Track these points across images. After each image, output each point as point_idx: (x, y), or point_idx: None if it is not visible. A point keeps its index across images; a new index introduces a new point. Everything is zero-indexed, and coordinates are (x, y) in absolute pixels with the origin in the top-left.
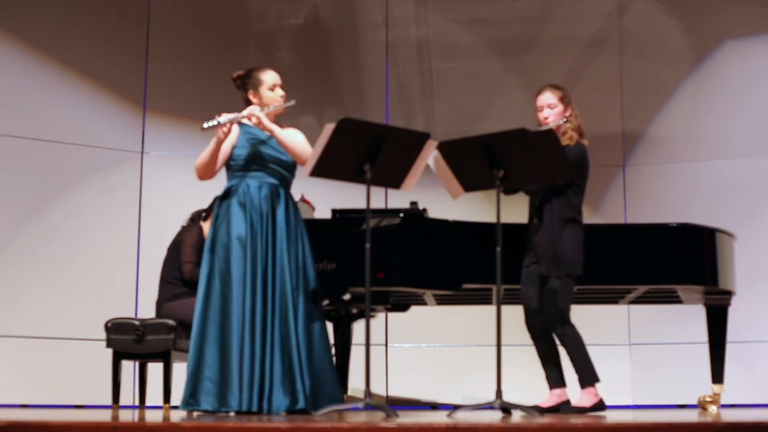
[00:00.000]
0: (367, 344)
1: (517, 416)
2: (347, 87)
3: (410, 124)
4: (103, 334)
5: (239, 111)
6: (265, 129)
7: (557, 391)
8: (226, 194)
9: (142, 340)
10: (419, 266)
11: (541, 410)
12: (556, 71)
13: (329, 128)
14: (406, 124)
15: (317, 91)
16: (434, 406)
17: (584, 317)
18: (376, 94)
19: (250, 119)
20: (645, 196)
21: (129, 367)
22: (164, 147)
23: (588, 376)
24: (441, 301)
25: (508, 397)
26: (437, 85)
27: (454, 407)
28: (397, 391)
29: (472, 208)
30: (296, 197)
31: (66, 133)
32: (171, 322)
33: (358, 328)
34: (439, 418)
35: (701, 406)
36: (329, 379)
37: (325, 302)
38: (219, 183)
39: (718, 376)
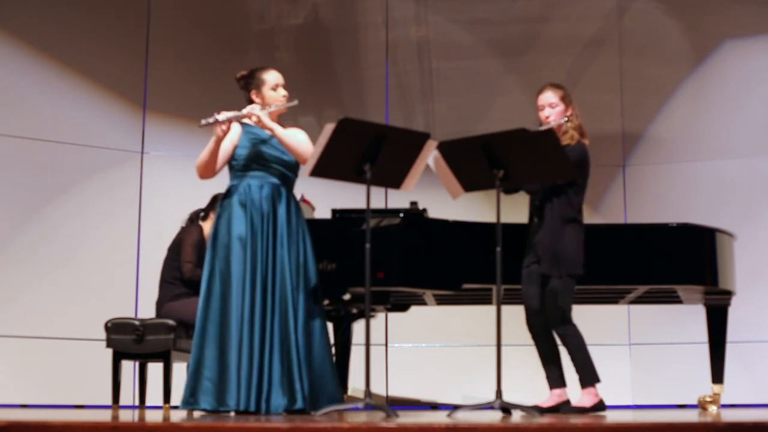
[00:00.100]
0: (367, 344)
1: (517, 416)
2: (347, 87)
3: (410, 124)
4: (103, 334)
5: (239, 111)
6: (265, 128)
7: (557, 391)
8: (228, 194)
9: (142, 340)
10: (419, 266)
11: (541, 410)
12: (556, 71)
13: (329, 128)
14: (406, 124)
15: (317, 91)
16: (434, 406)
17: (584, 317)
18: (376, 94)
19: (250, 118)
20: (645, 196)
21: (129, 367)
22: (164, 147)
23: (589, 376)
24: (441, 301)
25: (508, 397)
26: (437, 85)
27: (454, 407)
28: (397, 391)
29: (472, 208)
30: (296, 197)
31: (66, 133)
32: (171, 322)
33: (358, 328)
34: (439, 418)
35: (701, 406)
36: (329, 378)
37: (325, 302)
38: (219, 182)
39: (718, 376)
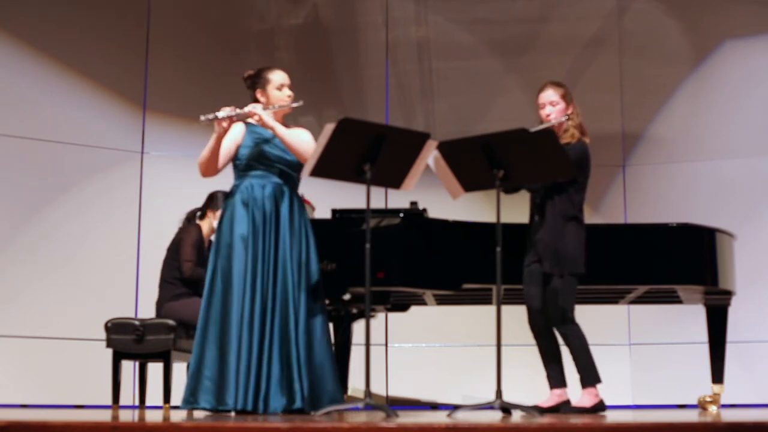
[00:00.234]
0: (367, 344)
1: (517, 416)
2: (347, 87)
3: (410, 124)
4: (103, 334)
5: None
6: (266, 127)
7: (558, 390)
8: (231, 193)
9: (142, 340)
10: (419, 266)
11: (541, 410)
12: (556, 71)
13: (329, 128)
14: (406, 124)
15: (317, 91)
16: (434, 406)
17: (584, 317)
18: (376, 94)
19: (252, 117)
20: (645, 196)
21: (129, 367)
22: (164, 147)
23: (590, 377)
24: (441, 301)
25: (508, 397)
26: (437, 85)
27: (454, 407)
28: (397, 391)
29: (472, 208)
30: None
31: (66, 133)
32: (171, 322)
33: (358, 328)
34: (439, 418)
35: (701, 406)
36: (329, 378)
37: (326, 302)
38: (219, 181)
39: (718, 376)
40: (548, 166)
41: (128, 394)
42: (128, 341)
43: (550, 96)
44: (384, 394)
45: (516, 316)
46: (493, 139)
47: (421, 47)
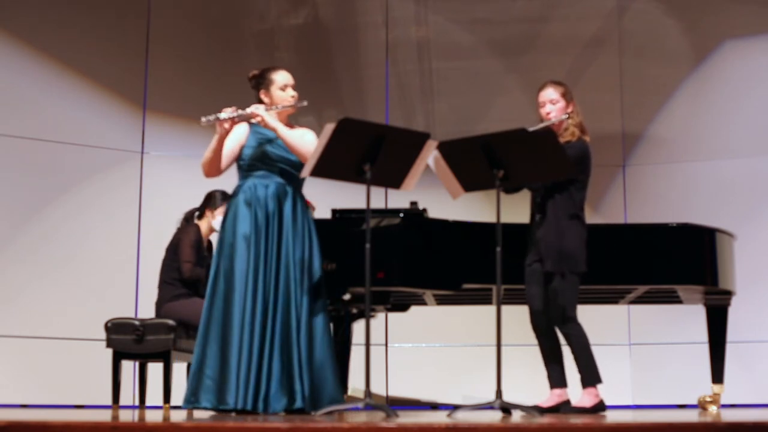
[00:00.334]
0: (367, 344)
1: (517, 416)
2: (347, 87)
3: (410, 124)
4: (103, 334)
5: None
6: (268, 127)
7: (558, 390)
8: (234, 193)
9: (142, 340)
10: (419, 266)
11: (541, 410)
12: (556, 71)
13: (329, 128)
14: (406, 124)
15: (317, 91)
16: (434, 406)
17: (584, 317)
18: (376, 94)
19: (254, 117)
20: (645, 196)
21: (129, 367)
22: (164, 147)
23: (591, 377)
24: (441, 301)
25: (508, 397)
26: (437, 85)
27: (454, 407)
28: (397, 391)
29: (472, 208)
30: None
31: (66, 133)
32: (171, 322)
33: (358, 328)
34: (439, 418)
35: (701, 406)
36: (330, 378)
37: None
38: (219, 181)
39: (718, 376)
40: (548, 166)
41: (128, 394)
42: (128, 341)
43: (550, 94)
44: (384, 394)
45: (516, 316)
46: (493, 139)
47: (421, 47)
